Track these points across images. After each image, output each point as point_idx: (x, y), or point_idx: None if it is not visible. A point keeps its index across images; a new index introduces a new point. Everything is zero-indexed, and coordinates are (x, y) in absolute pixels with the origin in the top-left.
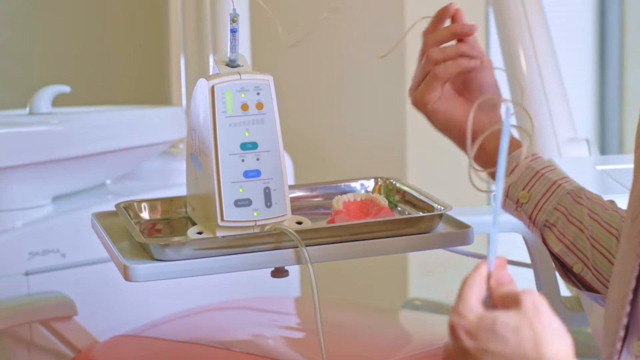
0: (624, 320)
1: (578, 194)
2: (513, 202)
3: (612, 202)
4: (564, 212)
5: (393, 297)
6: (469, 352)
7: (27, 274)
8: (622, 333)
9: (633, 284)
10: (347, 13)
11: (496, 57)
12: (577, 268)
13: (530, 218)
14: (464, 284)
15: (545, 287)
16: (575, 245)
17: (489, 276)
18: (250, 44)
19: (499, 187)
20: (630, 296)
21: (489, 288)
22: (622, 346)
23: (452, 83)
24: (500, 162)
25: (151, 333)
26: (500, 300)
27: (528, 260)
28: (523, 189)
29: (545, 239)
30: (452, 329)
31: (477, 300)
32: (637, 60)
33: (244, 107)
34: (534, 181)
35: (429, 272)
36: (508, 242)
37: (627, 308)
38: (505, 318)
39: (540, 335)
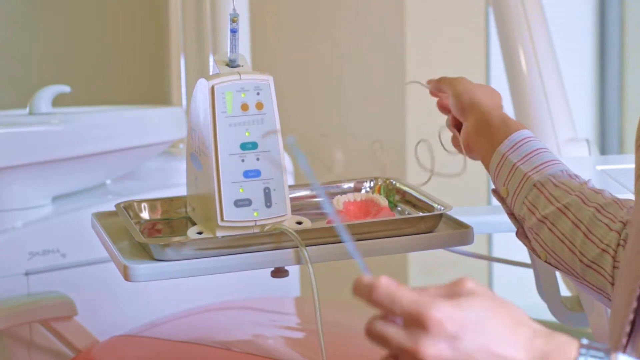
0: (631, 316)
1: (544, 184)
2: (497, 197)
3: (584, 183)
4: (529, 207)
5: None
6: (459, 339)
7: (27, 274)
8: (627, 328)
9: None
10: (348, 13)
11: (496, 57)
12: (543, 256)
13: (510, 213)
14: (390, 295)
15: (545, 287)
16: (539, 234)
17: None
18: (250, 44)
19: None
20: (637, 292)
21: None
22: (628, 341)
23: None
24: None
25: (151, 333)
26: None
27: (528, 261)
28: (503, 184)
29: (523, 233)
30: (435, 321)
31: (437, 295)
32: (637, 60)
33: (244, 107)
34: (511, 176)
35: (429, 272)
36: (508, 242)
37: (634, 304)
38: (471, 300)
39: (501, 303)
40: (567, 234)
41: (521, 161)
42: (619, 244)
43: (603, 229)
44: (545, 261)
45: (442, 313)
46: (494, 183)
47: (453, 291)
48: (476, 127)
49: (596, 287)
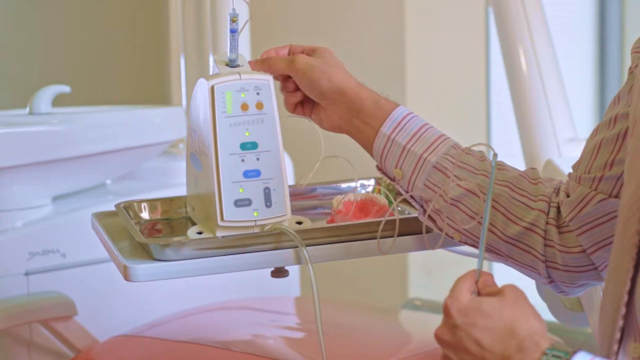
0: (620, 322)
1: (444, 164)
2: (391, 179)
3: (483, 159)
4: (433, 189)
5: (393, 297)
6: (458, 327)
7: (27, 274)
8: (618, 335)
9: (628, 286)
10: (348, 13)
11: (496, 57)
12: (457, 237)
13: (407, 193)
14: (457, 279)
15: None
16: (451, 217)
17: (477, 281)
18: (250, 44)
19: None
20: (625, 298)
21: (477, 289)
22: (619, 348)
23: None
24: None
25: (151, 333)
26: (486, 294)
27: None
28: (396, 166)
29: (427, 214)
30: (446, 308)
31: (468, 290)
32: None
33: (244, 107)
34: (403, 158)
35: (429, 272)
36: None
37: (623, 310)
38: (490, 300)
39: (519, 314)
40: (471, 207)
41: (411, 142)
42: (547, 223)
43: (522, 208)
44: (460, 241)
45: (452, 303)
46: (380, 164)
47: (487, 289)
48: (349, 113)
49: (526, 265)
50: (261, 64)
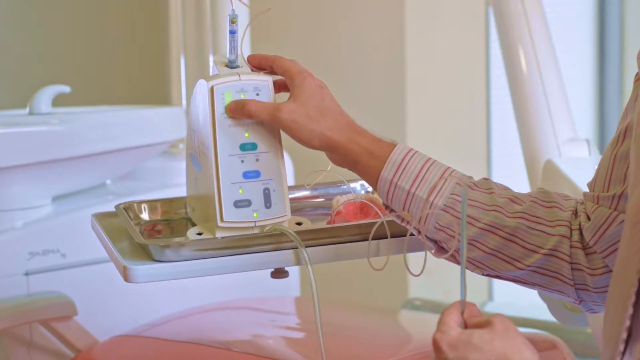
0: (627, 322)
1: (452, 207)
2: (399, 219)
3: (491, 191)
4: (446, 232)
5: (393, 297)
6: None
7: (27, 274)
8: (625, 335)
9: (636, 287)
10: (348, 13)
11: (496, 57)
12: (479, 272)
13: (419, 233)
14: (443, 312)
15: None
16: (468, 254)
17: (462, 311)
18: (250, 45)
19: (463, 247)
20: (633, 298)
21: (463, 321)
22: (625, 348)
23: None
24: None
25: (151, 333)
26: (474, 326)
27: None
28: (403, 209)
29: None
30: (436, 342)
31: (455, 323)
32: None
33: None
34: (409, 202)
35: (429, 273)
36: None
37: (630, 310)
38: (480, 333)
39: (510, 344)
40: (501, 249)
41: (414, 185)
42: (572, 247)
43: (540, 236)
44: (483, 274)
45: (442, 337)
46: (387, 204)
47: (474, 320)
48: (345, 164)
49: (554, 290)
50: (241, 109)
